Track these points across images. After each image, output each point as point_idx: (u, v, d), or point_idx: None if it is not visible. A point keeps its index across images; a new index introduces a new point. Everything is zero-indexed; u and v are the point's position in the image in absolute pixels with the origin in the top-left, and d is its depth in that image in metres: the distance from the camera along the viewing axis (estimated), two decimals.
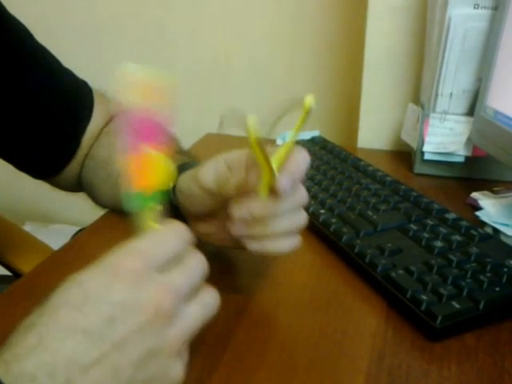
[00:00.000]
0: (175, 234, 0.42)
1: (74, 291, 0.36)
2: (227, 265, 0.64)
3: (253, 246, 0.53)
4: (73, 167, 0.75)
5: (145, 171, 0.42)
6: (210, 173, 0.54)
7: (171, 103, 0.39)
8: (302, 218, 0.54)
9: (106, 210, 0.75)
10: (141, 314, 0.36)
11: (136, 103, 0.39)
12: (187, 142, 0.85)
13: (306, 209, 0.72)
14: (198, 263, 0.42)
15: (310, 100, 0.46)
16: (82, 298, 0.36)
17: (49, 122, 0.71)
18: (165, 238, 0.41)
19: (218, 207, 0.56)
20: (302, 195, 0.54)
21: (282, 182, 0.49)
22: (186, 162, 0.63)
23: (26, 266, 0.86)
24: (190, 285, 0.40)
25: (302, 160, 0.51)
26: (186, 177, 0.59)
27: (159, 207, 0.43)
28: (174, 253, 0.40)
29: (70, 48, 1.19)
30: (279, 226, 0.52)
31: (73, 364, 0.33)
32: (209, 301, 0.42)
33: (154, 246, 0.40)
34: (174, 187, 0.60)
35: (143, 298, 0.37)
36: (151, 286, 0.37)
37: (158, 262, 0.39)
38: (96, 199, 0.76)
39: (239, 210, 0.52)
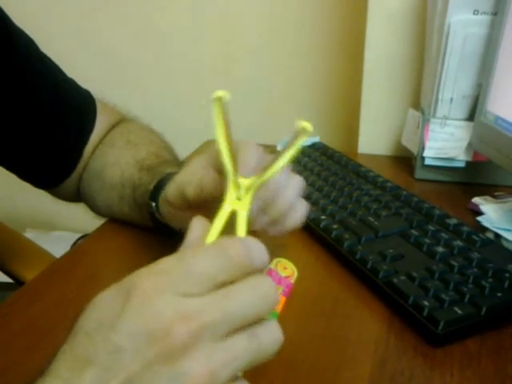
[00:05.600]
0: (219, 251, 0.35)
1: (89, 315, 0.34)
2: None
3: (274, 231, 0.51)
4: (73, 178, 0.75)
5: None
6: (195, 186, 0.50)
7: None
8: (298, 181, 0.51)
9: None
10: (150, 346, 0.32)
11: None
12: (187, 149, 0.85)
13: (308, 215, 0.72)
14: (253, 287, 0.35)
15: (306, 125, 0.42)
16: (94, 324, 0.33)
17: (52, 132, 0.72)
18: (203, 255, 0.35)
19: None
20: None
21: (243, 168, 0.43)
22: (174, 172, 0.60)
23: (28, 273, 0.86)
24: (230, 311, 0.33)
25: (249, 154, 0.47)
26: (170, 189, 0.56)
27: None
28: (212, 274, 0.34)
29: (69, 55, 1.19)
30: (288, 198, 0.50)
31: None
32: (265, 335, 0.35)
33: (184, 266, 0.34)
34: (158, 203, 0.60)
35: (153, 327, 0.32)
36: (165, 312, 0.32)
37: (185, 284, 0.33)
38: (93, 209, 0.76)
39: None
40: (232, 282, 0.35)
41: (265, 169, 0.42)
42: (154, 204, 0.61)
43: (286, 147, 0.42)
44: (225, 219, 0.41)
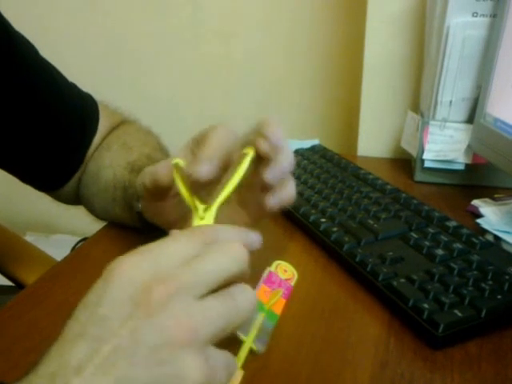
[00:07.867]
0: (189, 236, 0.39)
1: (76, 313, 0.36)
2: None
3: (270, 201, 0.53)
4: (74, 180, 0.75)
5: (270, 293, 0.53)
6: (149, 176, 0.55)
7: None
8: (289, 155, 0.53)
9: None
10: (133, 309, 0.34)
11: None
12: None
13: (307, 217, 0.72)
14: (223, 249, 0.39)
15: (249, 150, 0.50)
16: (81, 309, 0.36)
17: (55, 136, 0.72)
18: (174, 240, 0.39)
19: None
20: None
21: None
22: None
23: (28, 276, 0.86)
24: (203, 271, 0.37)
25: None
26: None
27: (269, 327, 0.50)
28: (183, 252, 0.38)
29: (71, 59, 1.19)
30: (281, 163, 0.51)
31: (70, 367, 0.34)
32: (239, 294, 0.38)
33: (157, 248, 0.38)
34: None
35: (133, 292, 0.35)
36: (143, 278, 0.35)
37: (160, 260, 0.36)
38: (92, 212, 0.76)
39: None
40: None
41: (216, 195, 0.49)
42: (140, 205, 0.63)
43: (233, 171, 0.49)
44: None
